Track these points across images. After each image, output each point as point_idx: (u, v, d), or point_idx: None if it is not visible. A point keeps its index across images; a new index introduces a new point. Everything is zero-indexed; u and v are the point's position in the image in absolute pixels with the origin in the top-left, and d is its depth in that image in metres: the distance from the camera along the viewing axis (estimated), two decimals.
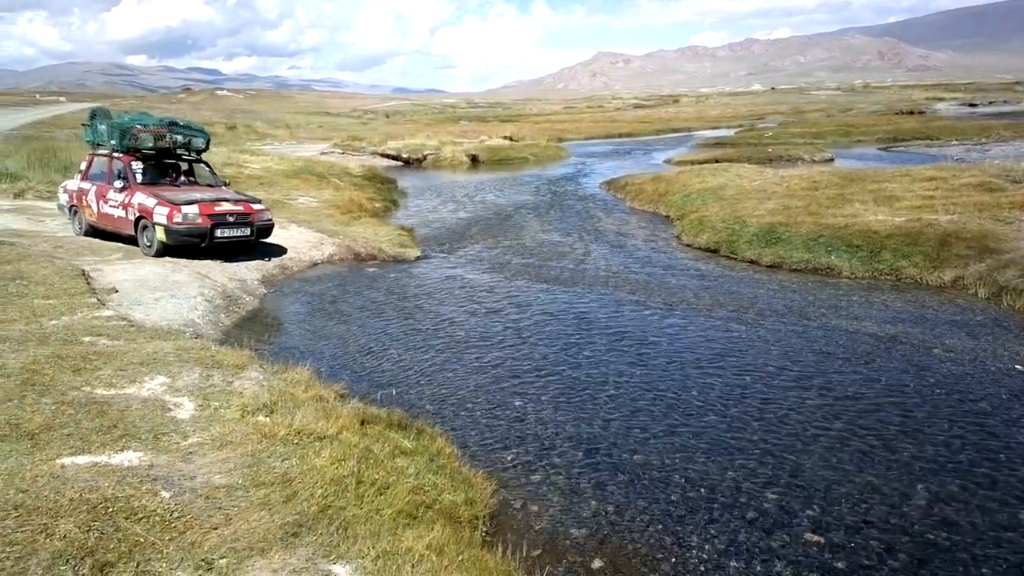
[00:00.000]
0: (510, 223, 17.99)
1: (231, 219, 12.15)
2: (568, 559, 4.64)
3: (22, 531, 3.80)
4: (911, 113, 56.35)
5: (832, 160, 29.05)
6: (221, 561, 3.73)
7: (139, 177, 12.58)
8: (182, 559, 3.72)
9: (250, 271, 12.19)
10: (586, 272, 12.52)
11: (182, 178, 13.28)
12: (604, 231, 16.45)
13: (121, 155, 12.76)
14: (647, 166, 30.37)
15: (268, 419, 5.54)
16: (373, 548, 3.92)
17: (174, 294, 10.29)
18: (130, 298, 9.77)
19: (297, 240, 14.61)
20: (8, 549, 3.65)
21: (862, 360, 7.99)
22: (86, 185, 13.36)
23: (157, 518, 4.03)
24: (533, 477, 5.73)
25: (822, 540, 4.85)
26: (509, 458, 6.02)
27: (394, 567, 3.76)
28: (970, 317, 9.47)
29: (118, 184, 12.46)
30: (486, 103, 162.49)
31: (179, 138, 13.13)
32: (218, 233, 11.94)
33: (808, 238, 12.77)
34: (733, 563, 4.64)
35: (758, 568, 4.57)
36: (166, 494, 4.28)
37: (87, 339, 7.45)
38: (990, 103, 69.11)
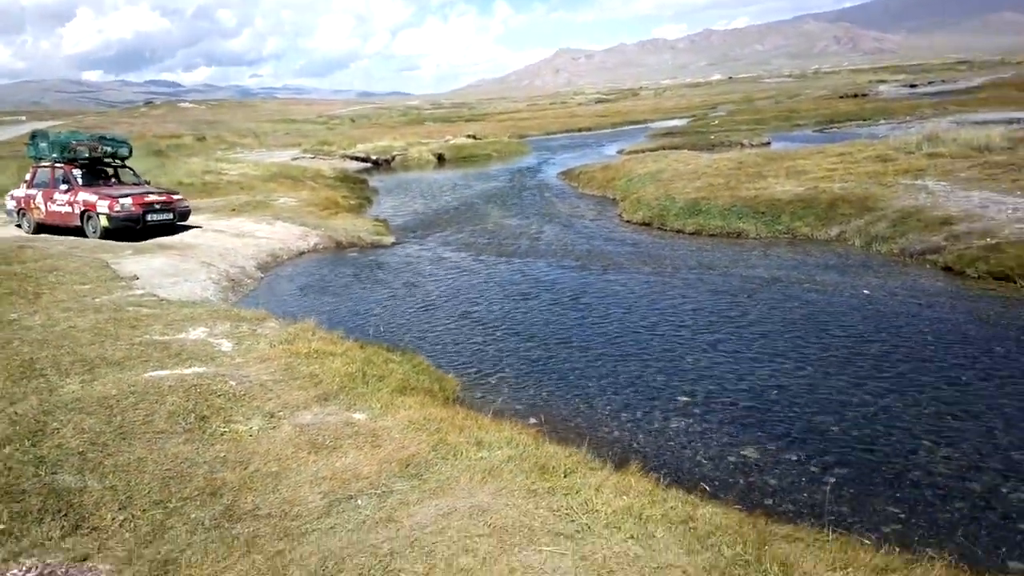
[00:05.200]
0: (474, 212, 20.05)
1: (157, 207, 15.33)
2: (512, 419, 6.67)
3: (143, 404, 5.79)
4: (854, 96, 59.39)
5: (769, 144, 31.45)
6: (280, 413, 5.75)
7: (80, 180, 15.60)
8: (253, 414, 5.73)
9: (247, 260, 14.08)
10: (539, 247, 14.63)
11: (112, 180, 16.45)
12: (557, 214, 18.58)
13: (63, 164, 15.74)
14: (601, 157, 32.58)
15: (291, 347, 7.54)
16: (378, 404, 5.96)
17: (187, 279, 12.18)
18: (151, 282, 11.64)
19: (284, 233, 16.52)
20: (137, 412, 5.63)
21: (746, 294, 10.20)
22: (32, 191, 16.21)
23: (231, 394, 6.03)
24: (490, 380, 7.80)
25: (688, 399, 6.99)
26: (472, 370, 8.09)
27: (394, 410, 5.80)
28: (844, 261, 11.74)
29: (63, 187, 15.45)
30: (450, 104, 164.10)
31: (108, 148, 16.45)
32: (149, 218, 15.08)
33: (724, 208, 15.00)
34: (625, 414, 6.75)
35: (640, 415, 6.69)
36: (233, 383, 6.28)
37: (132, 308, 9.34)
38: (929, 83, 72.67)
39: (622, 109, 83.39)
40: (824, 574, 3.49)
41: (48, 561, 3.88)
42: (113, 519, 4.21)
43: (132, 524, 4.17)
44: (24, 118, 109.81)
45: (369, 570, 3.50)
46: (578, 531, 3.82)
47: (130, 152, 17.04)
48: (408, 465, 4.72)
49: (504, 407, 7.01)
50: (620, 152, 33.35)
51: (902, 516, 4.86)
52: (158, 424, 5.45)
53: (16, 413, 5.59)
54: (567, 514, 4.00)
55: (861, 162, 17.15)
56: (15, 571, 3.83)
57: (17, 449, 5.01)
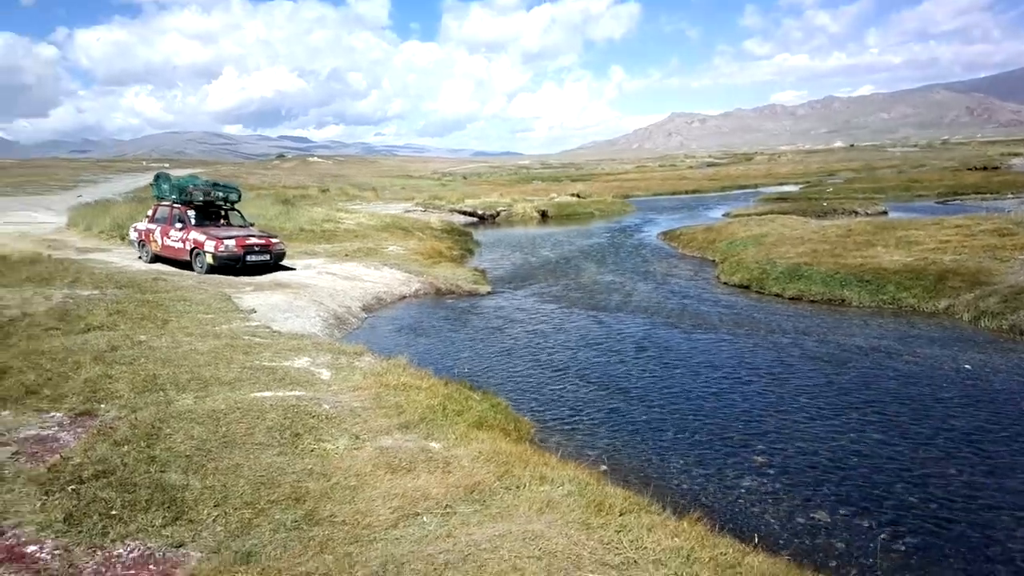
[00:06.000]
0: (570, 266, 20.44)
1: (257, 249, 16.77)
2: (583, 463, 6.86)
3: (246, 418, 6.38)
4: (984, 169, 56.35)
5: (886, 213, 30.38)
6: (364, 436, 6.20)
7: (193, 220, 17.30)
8: (341, 435, 6.20)
9: (353, 301, 14.98)
10: (630, 303, 14.79)
11: (221, 221, 18.09)
12: (653, 272, 18.68)
13: (180, 205, 17.54)
14: (705, 219, 32.44)
15: (382, 379, 8.05)
16: (454, 435, 6.31)
17: (298, 315, 13.09)
18: (266, 316, 12.60)
19: (389, 279, 17.43)
20: (241, 425, 6.22)
21: (840, 362, 9.96)
22: (152, 226, 18.08)
23: (323, 416, 6.55)
24: (565, 427, 8.01)
25: (765, 460, 6.94)
26: (549, 416, 8.33)
27: (467, 442, 6.13)
28: (948, 335, 11.25)
29: (178, 225, 17.20)
30: (559, 164, 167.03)
31: (220, 194, 18.16)
32: (248, 258, 16.51)
33: (827, 275, 14.68)
34: (697, 469, 6.79)
35: (712, 471, 6.71)
36: (327, 407, 6.82)
37: (246, 337, 10.20)
38: None
39: (733, 173, 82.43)
40: None
41: (149, 544, 4.41)
42: (208, 514, 4.72)
43: (224, 520, 4.65)
44: (168, 165, 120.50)
45: (423, 575, 3.80)
46: (623, 563, 3.99)
47: (239, 197, 18.75)
48: (473, 491, 5.01)
49: (576, 452, 7.19)
50: (725, 215, 33.07)
51: None
52: (257, 437, 6.01)
53: (136, 419, 6.31)
54: (616, 548, 4.17)
55: (978, 235, 16.38)
56: (120, 550, 4.37)
57: (133, 448, 5.67)
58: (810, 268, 15.32)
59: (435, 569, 3.87)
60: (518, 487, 5.11)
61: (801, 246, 17.71)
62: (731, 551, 4.27)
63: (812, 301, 14.21)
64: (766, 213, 30.20)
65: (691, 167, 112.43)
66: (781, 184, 60.86)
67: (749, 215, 29.61)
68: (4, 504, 4.82)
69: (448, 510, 4.73)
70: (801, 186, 53.73)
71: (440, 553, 4.05)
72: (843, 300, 13.89)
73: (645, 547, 4.19)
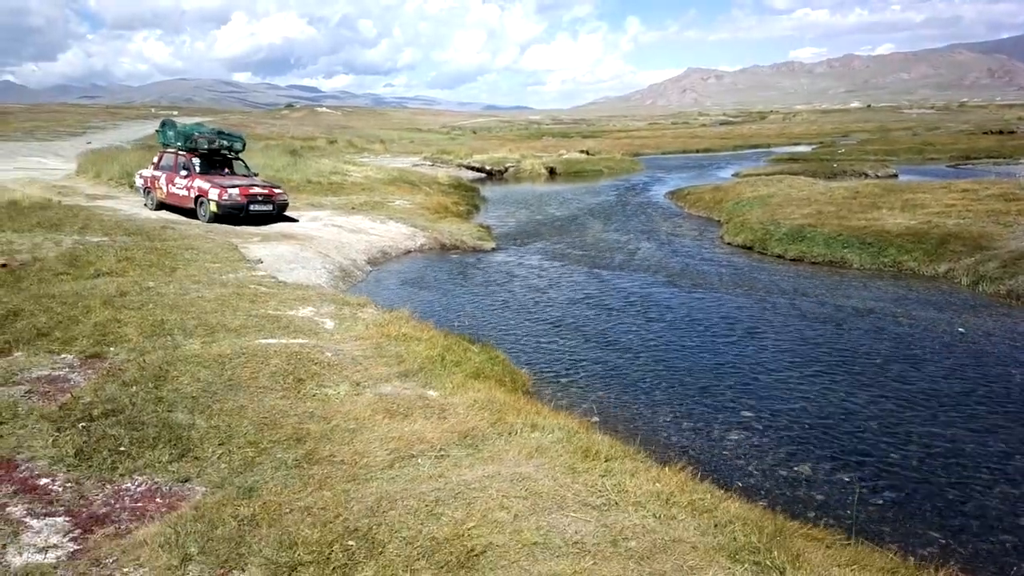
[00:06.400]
0: (575, 224, 20.50)
1: (260, 198, 16.76)
2: (575, 414, 7.08)
3: (251, 363, 6.60)
4: (999, 133, 55.52)
5: (896, 176, 30.17)
6: (365, 383, 6.40)
7: (198, 168, 17.21)
8: (342, 381, 6.41)
9: (359, 254, 15.13)
10: (632, 262, 14.90)
11: (225, 170, 17.98)
12: (658, 232, 18.73)
13: (185, 153, 17.46)
14: (714, 178, 32.26)
15: (384, 329, 8.24)
16: (451, 384, 6.52)
17: (304, 266, 13.26)
18: (273, 266, 12.78)
19: (395, 233, 17.55)
20: (245, 369, 6.43)
21: (835, 323, 10.10)
22: (158, 173, 18.01)
23: (326, 363, 6.76)
24: (561, 380, 8.22)
25: (753, 416, 7.14)
26: (546, 370, 8.53)
27: (464, 391, 6.33)
28: (946, 299, 11.35)
29: (183, 173, 17.19)
30: (570, 119, 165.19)
31: (224, 142, 18.12)
32: (252, 208, 16.52)
33: (829, 237, 14.72)
34: (686, 422, 7.00)
35: (701, 424, 6.92)
36: (329, 354, 7.02)
37: (253, 286, 10.38)
38: None
39: (746, 132, 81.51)
40: (831, 568, 3.70)
41: (156, 479, 4.65)
42: (213, 452, 4.95)
43: (228, 457, 4.88)
44: (177, 113, 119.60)
45: (416, 511, 4.02)
46: (605, 504, 4.20)
47: (243, 146, 18.74)
48: (467, 436, 5.22)
49: (569, 403, 7.40)
50: (735, 175, 32.87)
51: (942, 541, 4.90)
52: (261, 381, 6.23)
53: (144, 361, 6.53)
54: (599, 490, 4.38)
55: (984, 199, 16.34)
56: (128, 484, 4.61)
57: (142, 389, 5.91)
58: (813, 230, 15.35)
59: (427, 505, 4.09)
60: (510, 433, 5.32)
61: (807, 207, 17.69)
62: (709, 497, 4.47)
63: (813, 263, 14.29)
64: (775, 173, 29.98)
65: (704, 125, 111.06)
66: (794, 144, 60.27)
67: (758, 175, 29.43)
68: (18, 439, 5.06)
69: (442, 453, 4.94)
70: (814, 146, 53.24)
71: (432, 491, 4.27)
72: (844, 262, 13.96)
73: (626, 491, 4.40)
